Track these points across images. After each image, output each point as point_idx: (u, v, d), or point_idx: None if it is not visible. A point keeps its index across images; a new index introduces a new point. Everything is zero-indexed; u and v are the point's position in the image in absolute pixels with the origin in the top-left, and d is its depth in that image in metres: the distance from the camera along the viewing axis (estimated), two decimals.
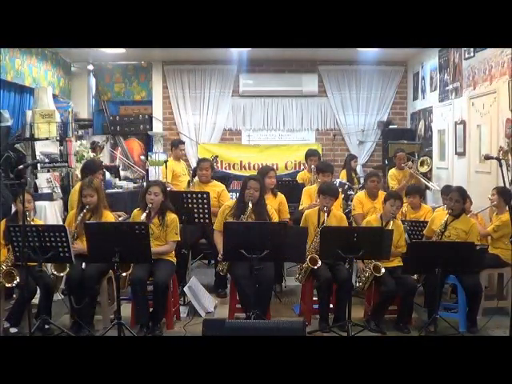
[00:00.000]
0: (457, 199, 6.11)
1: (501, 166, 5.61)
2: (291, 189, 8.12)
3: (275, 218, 6.36)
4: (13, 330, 5.62)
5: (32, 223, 5.75)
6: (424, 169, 9.24)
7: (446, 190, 6.98)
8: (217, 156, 10.25)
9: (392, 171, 9.20)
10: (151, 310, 5.76)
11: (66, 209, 7.60)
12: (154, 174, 10.71)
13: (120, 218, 6.92)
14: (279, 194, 7.19)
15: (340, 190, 7.12)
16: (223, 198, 7.42)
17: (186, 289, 6.44)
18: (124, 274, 5.52)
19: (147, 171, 11.29)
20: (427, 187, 9.31)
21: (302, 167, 11.03)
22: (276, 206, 6.94)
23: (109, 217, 6.09)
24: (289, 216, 7.20)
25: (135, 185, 10.91)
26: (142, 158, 11.66)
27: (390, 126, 11.63)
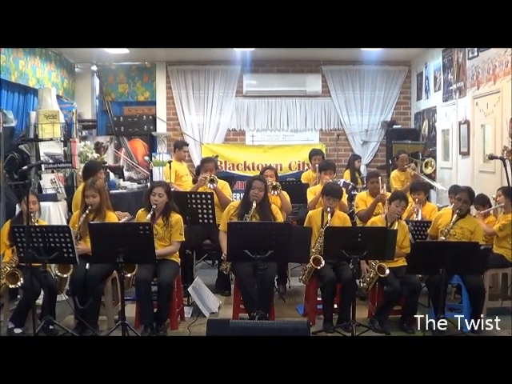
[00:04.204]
0: (465, 200, 6.10)
1: (505, 165, 5.60)
2: (295, 189, 8.10)
3: (280, 218, 6.36)
4: (17, 331, 5.63)
5: (36, 224, 5.77)
6: (428, 170, 9.20)
7: (455, 190, 6.95)
8: (217, 156, 10.26)
9: (395, 173, 9.13)
10: (155, 310, 5.77)
11: (70, 209, 7.60)
12: (158, 174, 10.72)
13: (124, 219, 6.92)
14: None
15: (344, 190, 7.12)
16: (225, 191, 7.42)
17: (190, 289, 6.44)
18: (129, 275, 5.52)
19: (151, 172, 11.32)
20: (431, 187, 9.27)
21: (305, 167, 11.02)
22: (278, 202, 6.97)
23: (112, 217, 6.10)
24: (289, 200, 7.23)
25: (139, 185, 10.94)
26: (146, 158, 11.70)
27: (394, 126, 11.61)
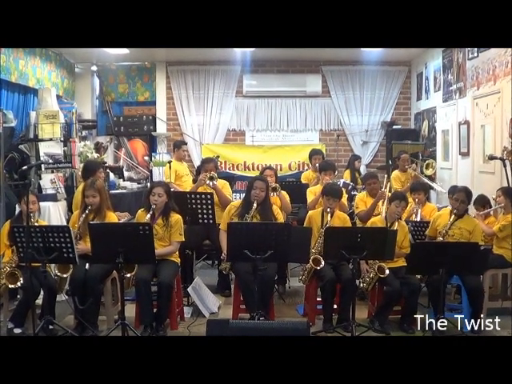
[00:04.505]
0: (462, 200, 6.09)
1: (505, 166, 5.61)
2: (295, 189, 8.10)
3: (280, 219, 6.36)
4: (17, 331, 5.63)
5: (36, 224, 5.77)
6: (429, 171, 9.17)
7: (453, 191, 6.95)
8: (218, 156, 10.26)
9: (395, 173, 9.06)
10: (155, 310, 5.77)
11: (70, 209, 7.61)
12: (158, 174, 10.72)
13: (124, 219, 6.92)
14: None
15: (344, 190, 7.12)
16: (225, 191, 7.42)
17: (189, 289, 6.44)
18: (128, 275, 5.52)
19: (151, 172, 11.31)
20: (431, 188, 9.25)
21: (305, 167, 11.01)
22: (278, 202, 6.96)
23: (112, 217, 6.10)
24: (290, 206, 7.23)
25: (139, 185, 10.94)
26: (146, 158, 11.70)
27: (394, 127, 11.60)
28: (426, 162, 9.32)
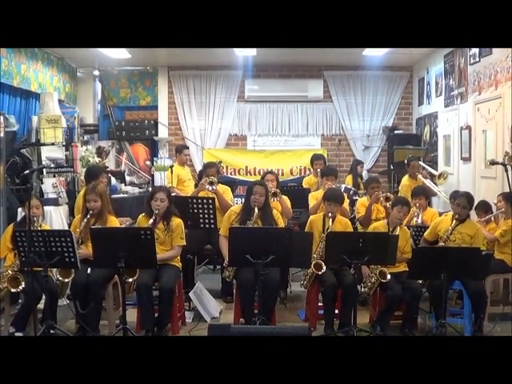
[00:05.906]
0: (464, 205, 6.07)
1: (506, 171, 5.59)
2: (297, 194, 8.11)
3: (281, 223, 6.35)
4: (18, 335, 5.62)
5: (39, 228, 5.77)
6: (441, 182, 9.13)
7: (455, 196, 6.93)
8: (220, 161, 10.27)
9: (405, 182, 8.94)
10: (157, 315, 5.76)
11: (71, 214, 7.61)
12: (160, 179, 10.73)
13: (126, 224, 6.91)
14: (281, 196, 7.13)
15: (345, 195, 7.12)
16: (226, 195, 7.44)
17: (191, 294, 6.44)
18: (130, 280, 5.52)
19: (152, 176, 11.33)
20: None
21: (307, 172, 11.00)
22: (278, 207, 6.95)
23: (113, 222, 6.10)
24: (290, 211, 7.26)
25: (140, 190, 10.94)
26: (148, 163, 11.69)
27: (396, 132, 11.63)
28: (440, 172, 9.28)
